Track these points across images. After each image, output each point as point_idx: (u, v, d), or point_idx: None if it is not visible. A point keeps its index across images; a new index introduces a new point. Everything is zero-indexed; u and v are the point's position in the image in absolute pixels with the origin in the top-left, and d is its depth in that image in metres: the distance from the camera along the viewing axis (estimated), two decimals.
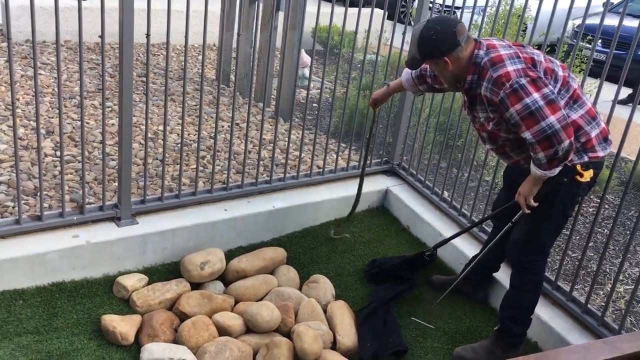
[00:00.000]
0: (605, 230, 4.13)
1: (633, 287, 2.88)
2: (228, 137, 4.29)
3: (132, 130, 3.02)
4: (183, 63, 6.15)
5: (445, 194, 3.83)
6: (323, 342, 2.85)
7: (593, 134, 2.47)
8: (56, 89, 4.72)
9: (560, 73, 2.46)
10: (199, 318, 2.85)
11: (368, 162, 4.12)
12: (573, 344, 2.75)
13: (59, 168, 3.42)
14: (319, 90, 4.44)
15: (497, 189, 3.80)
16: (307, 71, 6.01)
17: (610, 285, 3.42)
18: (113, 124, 4.24)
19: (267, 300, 3.09)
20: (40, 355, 2.56)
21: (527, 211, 2.53)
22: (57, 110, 4.25)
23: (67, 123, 4.15)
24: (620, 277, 3.54)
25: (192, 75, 5.83)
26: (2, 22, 5.79)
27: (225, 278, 3.23)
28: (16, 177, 2.84)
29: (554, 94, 2.33)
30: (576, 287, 3.10)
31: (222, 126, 4.63)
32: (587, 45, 6.93)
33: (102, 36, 2.76)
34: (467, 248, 3.38)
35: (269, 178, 3.68)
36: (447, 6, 7.26)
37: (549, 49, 3.17)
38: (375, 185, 4.03)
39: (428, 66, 2.86)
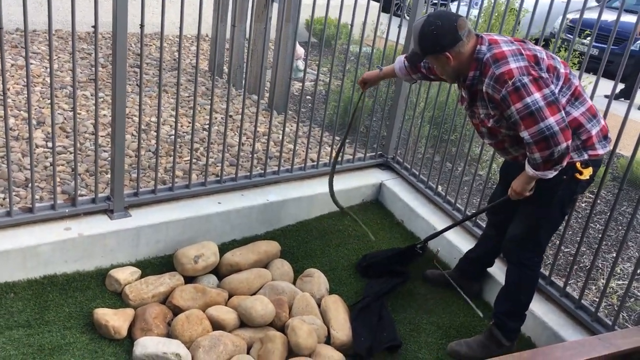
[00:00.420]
0: (598, 226, 4.14)
1: (627, 282, 2.89)
2: (222, 129, 4.25)
3: (125, 122, 2.98)
4: (176, 54, 6.12)
5: (440, 188, 3.82)
6: (317, 337, 2.84)
7: (594, 132, 2.47)
8: (47, 79, 4.66)
9: (562, 70, 2.45)
10: (192, 312, 2.83)
11: (362, 155, 4.11)
12: (566, 339, 2.76)
13: (50, 159, 3.38)
14: (314, 83, 4.41)
15: (491, 183, 3.80)
16: (300, 63, 5.97)
17: (603, 281, 3.43)
18: (105, 115, 4.19)
19: (261, 294, 3.07)
20: (31, 349, 2.53)
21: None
22: (48, 101, 4.22)
23: (59, 114, 4.10)
24: (614, 272, 3.55)
25: (185, 67, 5.78)
26: None
27: (219, 271, 3.21)
28: (7, 168, 2.80)
29: (554, 94, 2.32)
30: (570, 282, 3.11)
31: (216, 118, 4.59)
32: (583, 40, 6.94)
33: (95, 26, 2.72)
34: (462, 243, 3.38)
35: (263, 171, 3.66)
36: None
37: (544, 43, 3.16)
38: (369, 179, 4.02)
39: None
